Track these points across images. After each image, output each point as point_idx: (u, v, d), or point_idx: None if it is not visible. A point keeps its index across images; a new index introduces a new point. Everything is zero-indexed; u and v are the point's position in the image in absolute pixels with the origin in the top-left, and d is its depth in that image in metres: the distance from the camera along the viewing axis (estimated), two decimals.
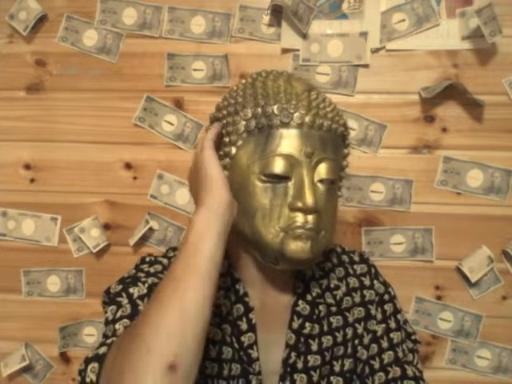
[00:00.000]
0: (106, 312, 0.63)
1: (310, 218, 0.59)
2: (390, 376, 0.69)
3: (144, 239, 1.04)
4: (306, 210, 0.59)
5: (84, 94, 1.04)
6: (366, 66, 0.99)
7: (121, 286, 0.64)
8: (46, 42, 1.04)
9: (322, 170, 0.61)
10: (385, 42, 0.98)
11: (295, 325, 0.68)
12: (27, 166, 1.06)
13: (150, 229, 1.02)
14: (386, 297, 0.75)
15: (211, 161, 0.60)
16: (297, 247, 0.59)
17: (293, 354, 0.67)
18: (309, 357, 0.68)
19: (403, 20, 0.97)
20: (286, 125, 0.60)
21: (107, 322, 0.60)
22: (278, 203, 0.60)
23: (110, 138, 1.04)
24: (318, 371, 0.67)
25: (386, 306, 0.74)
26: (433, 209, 1.00)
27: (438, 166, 0.99)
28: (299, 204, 0.59)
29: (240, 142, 0.62)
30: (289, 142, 0.60)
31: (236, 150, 0.63)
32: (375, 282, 0.76)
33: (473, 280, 0.97)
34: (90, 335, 1.07)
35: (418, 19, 0.97)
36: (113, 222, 1.05)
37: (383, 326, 0.73)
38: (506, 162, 0.98)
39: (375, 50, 0.99)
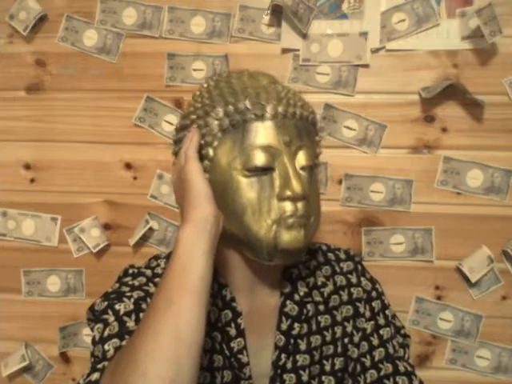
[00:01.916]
0: (91, 329, 0.62)
1: (300, 205, 0.59)
2: (382, 373, 0.69)
3: (144, 239, 1.04)
4: (295, 198, 0.59)
5: (84, 93, 1.04)
6: (366, 65, 0.99)
7: (106, 303, 0.62)
8: (45, 42, 1.04)
9: (302, 157, 0.62)
10: (385, 41, 0.98)
11: (284, 326, 0.68)
12: (27, 166, 1.06)
13: (150, 229, 1.02)
14: (374, 294, 0.75)
15: (195, 173, 0.58)
16: (291, 237, 0.59)
17: (282, 356, 0.67)
18: (297, 356, 0.68)
19: (403, 20, 0.97)
20: (260, 117, 0.60)
21: (95, 342, 0.59)
22: (266, 195, 0.59)
23: (110, 138, 1.04)
24: (307, 370, 0.68)
25: (373, 303, 0.74)
26: (433, 209, 1.00)
27: (438, 166, 0.99)
28: (288, 193, 0.58)
29: (216, 143, 0.62)
30: (266, 133, 0.60)
31: (213, 150, 0.62)
32: (362, 279, 0.76)
33: (473, 280, 0.97)
34: (90, 335, 1.07)
35: (418, 19, 0.97)
36: (113, 222, 1.05)
37: (372, 323, 0.73)
38: (506, 162, 0.98)
39: (375, 50, 0.99)
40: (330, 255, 0.78)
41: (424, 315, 1.01)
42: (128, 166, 1.04)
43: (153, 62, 1.02)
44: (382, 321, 0.73)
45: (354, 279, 0.75)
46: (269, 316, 0.68)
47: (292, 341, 0.68)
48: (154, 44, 1.02)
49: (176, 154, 0.67)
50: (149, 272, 0.70)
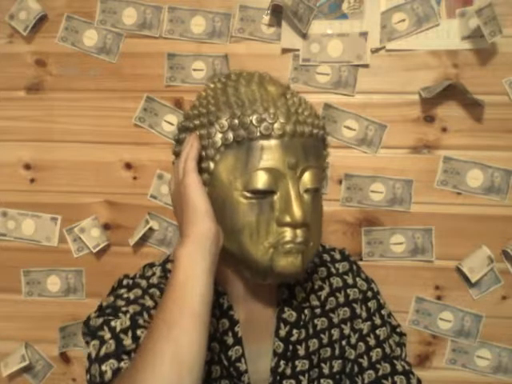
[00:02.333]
0: (87, 343, 0.61)
1: (299, 231, 0.57)
2: (380, 373, 0.69)
3: (144, 239, 1.04)
4: (294, 225, 0.57)
5: (84, 93, 1.04)
6: (366, 65, 0.99)
7: (101, 320, 0.60)
8: (46, 42, 1.04)
9: (307, 179, 0.59)
10: (385, 41, 0.98)
11: (282, 333, 0.67)
12: (27, 166, 1.06)
13: (150, 229, 1.02)
14: (370, 294, 0.75)
15: (195, 188, 0.56)
16: (287, 263, 0.58)
17: (281, 362, 0.66)
18: (296, 362, 0.67)
19: (403, 20, 0.97)
20: (266, 136, 0.57)
21: (91, 359, 0.57)
22: (265, 219, 0.57)
23: (110, 137, 1.04)
24: (306, 375, 0.67)
25: (369, 303, 0.74)
26: (433, 209, 1.00)
27: (438, 166, 0.99)
28: (287, 219, 0.56)
29: (218, 157, 0.59)
30: (271, 154, 0.57)
31: (214, 165, 0.59)
32: (358, 279, 0.76)
33: (473, 280, 0.97)
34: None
35: (418, 19, 0.97)
36: (113, 222, 1.05)
37: (368, 323, 0.73)
38: (506, 162, 0.98)
39: (375, 50, 0.99)
40: (326, 256, 0.77)
41: (424, 315, 1.01)
42: (128, 165, 1.04)
43: (153, 62, 1.02)
44: (378, 321, 0.73)
45: (349, 280, 0.75)
46: (267, 323, 0.68)
47: (291, 347, 0.67)
48: (153, 44, 1.02)
49: (176, 154, 0.65)
50: (144, 283, 0.67)
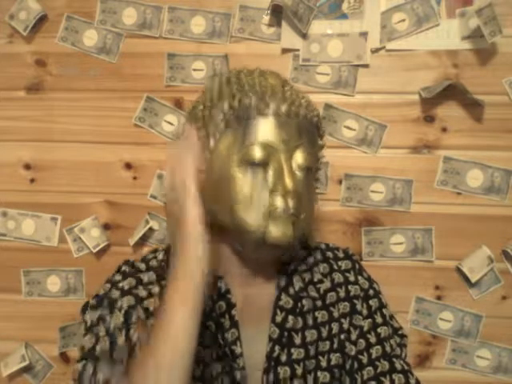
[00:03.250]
0: (85, 322, 0.65)
1: (291, 202, 0.61)
2: (379, 370, 0.69)
3: (144, 239, 1.04)
4: (286, 195, 0.61)
5: (84, 93, 1.04)
6: (366, 65, 0.99)
7: (98, 314, 0.65)
8: (46, 42, 1.04)
9: (299, 156, 0.63)
10: (385, 41, 0.98)
11: (278, 319, 0.69)
12: (27, 166, 1.06)
13: (150, 229, 1.02)
14: (371, 292, 0.76)
15: (193, 205, 0.58)
16: (278, 232, 0.61)
17: (276, 348, 0.68)
18: (292, 350, 0.68)
19: (403, 20, 0.97)
20: (263, 115, 0.62)
21: (83, 350, 0.62)
22: (259, 190, 0.61)
23: (110, 137, 1.04)
24: (301, 364, 0.68)
25: (371, 302, 0.75)
26: (433, 209, 1.00)
27: (438, 166, 0.99)
28: (279, 189, 0.61)
29: (218, 135, 0.63)
30: (266, 130, 0.62)
31: (214, 142, 0.64)
32: (359, 277, 0.77)
33: (473, 280, 0.97)
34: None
35: (418, 19, 0.97)
36: (113, 222, 1.05)
37: (369, 320, 0.73)
38: (506, 162, 0.98)
39: (375, 50, 0.99)
40: (329, 253, 0.79)
41: (424, 315, 1.01)
42: (128, 165, 1.04)
43: (153, 62, 1.02)
44: (379, 319, 0.74)
45: (351, 277, 0.76)
46: (264, 309, 0.70)
47: (286, 333, 0.68)
48: (153, 44, 1.02)
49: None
50: (143, 266, 0.72)
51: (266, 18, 1.00)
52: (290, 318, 0.69)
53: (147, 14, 1.01)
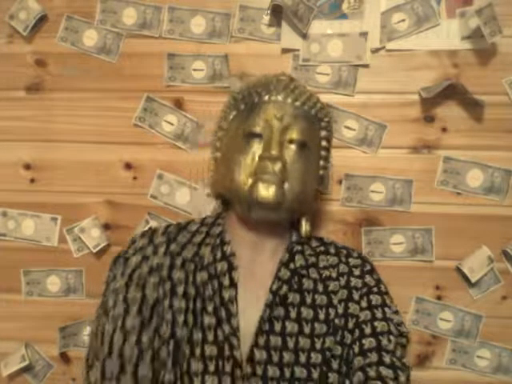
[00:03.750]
0: (110, 279, 0.74)
1: (276, 166, 0.70)
2: (367, 361, 0.70)
3: None
4: (271, 159, 0.70)
5: (84, 93, 1.04)
6: (366, 65, 0.99)
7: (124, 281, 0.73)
8: (45, 42, 1.04)
9: (292, 131, 0.73)
10: (385, 41, 0.98)
11: (274, 287, 0.73)
12: (27, 166, 1.06)
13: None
14: (375, 289, 0.77)
15: None
16: (262, 189, 0.69)
17: (270, 314, 0.71)
18: (286, 322, 0.72)
19: (403, 20, 0.97)
20: (265, 100, 0.75)
21: (104, 307, 0.72)
22: (252, 155, 0.72)
23: (109, 138, 1.04)
24: (294, 339, 0.71)
25: (372, 297, 0.76)
26: (433, 209, 1.00)
27: (438, 166, 0.99)
28: (265, 153, 0.71)
29: (231, 117, 0.79)
30: (266, 111, 0.74)
31: (227, 123, 0.79)
32: (367, 276, 0.78)
33: (473, 280, 0.97)
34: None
35: (417, 19, 0.97)
36: (113, 222, 1.05)
37: (367, 313, 0.74)
38: (506, 162, 0.98)
39: (375, 50, 0.99)
40: (343, 251, 0.82)
41: (424, 315, 1.01)
42: (128, 165, 1.04)
43: (153, 62, 1.02)
44: (379, 315, 0.74)
45: (357, 272, 0.78)
46: (265, 280, 0.74)
47: (278, 299, 0.72)
48: (154, 44, 1.02)
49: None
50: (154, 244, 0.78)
51: (266, 18, 1.00)
52: (284, 286, 0.73)
53: (147, 13, 1.01)
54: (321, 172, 0.80)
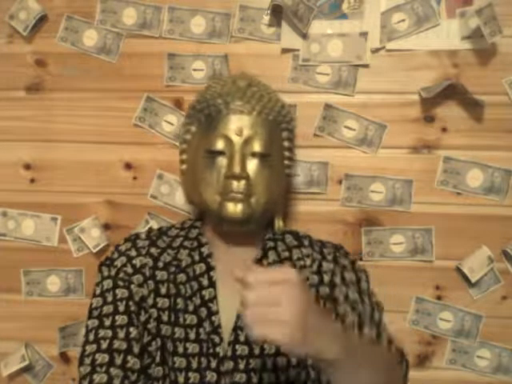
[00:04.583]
0: (97, 285, 0.77)
1: (240, 184, 0.72)
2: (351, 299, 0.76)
3: None
4: (235, 177, 0.72)
5: (84, 93, 1.04)
6: (366, 65, 0.99)
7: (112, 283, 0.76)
8: (45, 42, 1.04)
9: (253, 144, 0.74)
10: (385, 41, 0.98)
11: None
12: (27, 166, 1.06)
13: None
14: (349, 267, 0.80)
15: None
16: (229, 208, 0.72)
17: None
18: None
19: (403, 20, 0.97)
20: (223, 113, 0.75)
21: (92, 311, 0.74)
22: (216, 174, 0.74)
23: (110, 138, 1.04)
24: None
25: (346, 274, 0.79)
26: (433, 209, 1.00)
27: (438, 166, 0.99)
28: (229, 172, 0.72)
29: (194, 129, 0.79)
30: (225, 125, 0.74)
31: (191, 136, 0.80)
32: (342, 259, 0.81)
33: (473, 280, 0.97)
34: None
35: (417, 19, 0.97)
36: (113, 222, 1.05)
37: (351, 274, 0.79)
38: (506, 162, 0.98)
39: (375, 50, 0.99)
40: (318, 243, 0.84)
41: (424, 315, 1.01)
42: (128, 165, 1.04)
43: (153, 62, 1.02)
44: (353, 288, 0.78)
45: (329, 257, 0.81)
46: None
47: None
48: (154, 44, 1.02)
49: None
50: (142, 242, 0.82)
51: (266, 18, 1.00)
52: None
53: (147, 13, 1.01)
54: (287, 171, 0.82)
